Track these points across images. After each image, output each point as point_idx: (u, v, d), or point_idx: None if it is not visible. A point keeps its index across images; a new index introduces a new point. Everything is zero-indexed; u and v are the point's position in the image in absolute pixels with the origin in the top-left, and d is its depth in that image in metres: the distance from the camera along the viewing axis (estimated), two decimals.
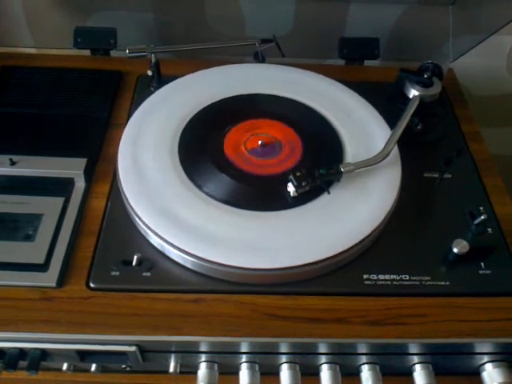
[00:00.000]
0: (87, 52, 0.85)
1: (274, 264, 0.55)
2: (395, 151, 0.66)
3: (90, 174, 0.66)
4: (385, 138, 0.66)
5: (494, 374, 0.57)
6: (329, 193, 0.61)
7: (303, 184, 0.60)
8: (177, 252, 0.57)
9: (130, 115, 0.71)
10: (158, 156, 0.65)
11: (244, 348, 0.55)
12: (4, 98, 0.75)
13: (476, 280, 0.59)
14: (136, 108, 0.71)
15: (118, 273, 0.57)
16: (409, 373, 0.58)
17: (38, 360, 0.55)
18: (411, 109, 0.69)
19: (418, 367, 0.57)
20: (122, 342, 0.54)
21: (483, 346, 0.56)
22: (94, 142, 0.70)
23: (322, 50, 0.91)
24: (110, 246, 0.59)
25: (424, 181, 0.68)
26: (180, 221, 0.58)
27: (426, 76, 0.72)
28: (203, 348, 0.55)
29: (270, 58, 0.80)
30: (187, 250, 0.56)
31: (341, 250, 0.57)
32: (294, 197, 0.60)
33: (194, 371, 0.57)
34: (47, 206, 0.62)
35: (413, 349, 0.56)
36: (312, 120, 0.71)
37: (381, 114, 0.72)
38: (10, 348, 0.54)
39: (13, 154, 0.64)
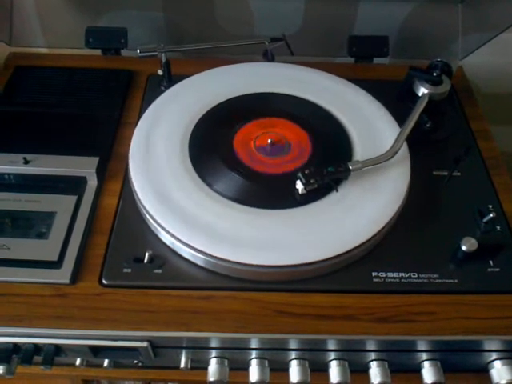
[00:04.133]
0: (98, 52, 0.86)
1: (284, 261, 0.56)
2: (404, 149, 0.66)
3: (102, 172, 0.67)
4: (394, 136, 0.66)
5: (503, 371, 0.57)
6: (337, 190, 0.62)
7: (311, 181, 0.60)
8: (187, 249, 0.57)
9: (140, 114, 0.72)
10: (169, 154, 0.65)
11: (254, 344, 0.56)
12: (17, 98, 0.76)
13: (484, 278, 0.59)
14: (147, 107, 0.72)
15: (129, 270, 0.58)
16: (417, 369, 0.58)
17: (52, 355, 0.56)
18: (420, 107, 0.69)
19: (426, 364, 0.58)
20: (133, 338, 0.55)
21: (492, 344, 0.56)
22: (106, 140, 0.71)
23: (332, 48, 0.91)
24: (122, 243, 0.60)
25: (433, 179, 0.69)
26: (191, 218, 0.59)
27: (435, 74, 0.72)
28: (214, 344, 0.56)
29: (280, 57, 0.81)
30: (198, 247, 0.57)
31: (350, 247, 0.57)
32: (302, 194, 0.61)
33: (204, 367, 0.58)
34: (60, 204, 0.63)
35: (421, 346, 0.56)
36: (321, 118, 0.72)
37: (390, 112, 0.72)
38: (25, 343, 0.55)
39: (26, 153, 0.65)
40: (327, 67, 0.79)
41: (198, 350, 0.58)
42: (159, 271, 0.58)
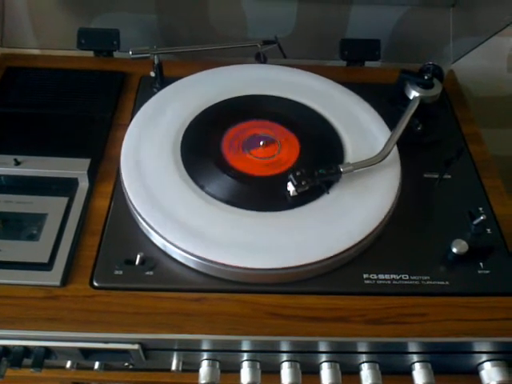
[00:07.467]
0: (90, 53, 0.86)
1: (276, 263, 0.56)
2: (395, 152, 0.66)
3: (93, 174, 0.66)
4: (385, 139, 0.66)
5: (493, 372, 0.57)
6: (328, 193, 0.62)
7: (303, 183, 0.60)
8: (179, 251, 0.57)
9: (132, 116, 0.72)
10: (161, 156, 0.65)
11: (245, 346, 0.56)
12: (8, 99, 0.76)
13: (475, 280, 0.59)
14: (139, 108, 0.72)
15: (121, 272, 0.57)
16: (408, 371, 0.59)
17: (42, 358, 0.55)
18: (411, 110, 0.70)
19: (417, 366, 0.58)
20: (124, 340, 0.54)
21: (482, 345, 0.56)
22: (98, 142, 0.71)
23: (324, 51, 0.91)
24: (114, 245, 0.60)
25: (424, 181, 0.69)
26: (182, 220, 0.59)
27: (426, 77, 0.72)
28: (205, 346, 0.56)
29: (272, 59, 0.81)
30: (189, 249, 0.57)
31: (341, 249, 0.57)
32: (293, 196, 0.61)
33: (196, 369, 0.58)
34: (51, 206, 0.62)
35: (412, 348, 0.56)
36: (313, 121, 0.72)
37: (381, 115, 0.72)
38: (14, 346, 0.55)
39: (17, 155, 0.65)
40: (319, 70, 0.80)
41: (190, 352, 0.58)
42: (150, 273, 0.58)
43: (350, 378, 0.58)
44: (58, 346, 0.55)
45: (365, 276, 0.59)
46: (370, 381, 0.57)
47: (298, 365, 0.57)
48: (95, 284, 0.57)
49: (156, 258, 0.59)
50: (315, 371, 0.58)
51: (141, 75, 0.82)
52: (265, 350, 0.57)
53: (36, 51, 0.91)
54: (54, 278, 0.57)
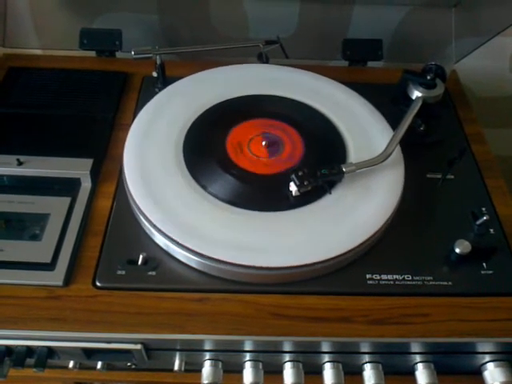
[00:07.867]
0: (93, 53, 0.86)
1: (278, 263, 0.56)
2: (398, 152, 0.66)
3: (96, 174, 0.66)
4: (387, 139, 0.66)
5: (496, 373, 0.57)
6: (330, 193, 0.62)
7: (305, 183, 0.60)
8: (182, 251, 0.57)
9: (135, 116, 0.72)
10: (163, 156, 0.65)
11: (248, 346, 0.56)
12: (11, 99, 0.76)
13: (478, 280, 0.59)
14: (141, 108, 0.72)
15: (123, 272, 0.57)
16: (411, 372, 0.58)
17: (45, 358, 0.55)
18: (414, 110, 0.69)
19: (420, 366, 0.58)
20: (127, 340, 0.54)
21: (485, 346, 0.56)
22: (100, 142, 0.71)
23: (326, 51, 0.91)
24: (116, 245, 0.60)
25: (427, 181, 0.69)
26: (185, 220, 0.58)
27: (429, 77, 0.72)
28: (208, 346, 0.56)
29: (274, 60, 0.81)
30: (192, 249, 0.57)
31: (344, 249, 0.57)
32: (296, 196, 0.61)
33: (198, 369, 0.58)
34: (54, 206, 0.62)
35: (415, 348, 0.56)
36: (315, 121, 0.72)
37: (384, 115, 0.72)
38: (17, 346, 0.55)
39: (20, 155, 0.65)
40: (321, 70, 0.80)
41: (192, 352, 0.57)
42: (153, 273, 0.58)
43: (352, 378, 0.58)
44: (60, 345, 0.55)
45: (368, 276, 0.58)
46: (372, 381, 0.57)
47: (301, 365, 0.57)
48: (98, 284, 0.57)
49: (158, 258, 0.59)
50: (318, 371, 0.58)
51: (143, 75, 0.82)
52: (267, 350, 0.57)
53: (38, 51, 0.91)
54: (56, 278, 0.57)
